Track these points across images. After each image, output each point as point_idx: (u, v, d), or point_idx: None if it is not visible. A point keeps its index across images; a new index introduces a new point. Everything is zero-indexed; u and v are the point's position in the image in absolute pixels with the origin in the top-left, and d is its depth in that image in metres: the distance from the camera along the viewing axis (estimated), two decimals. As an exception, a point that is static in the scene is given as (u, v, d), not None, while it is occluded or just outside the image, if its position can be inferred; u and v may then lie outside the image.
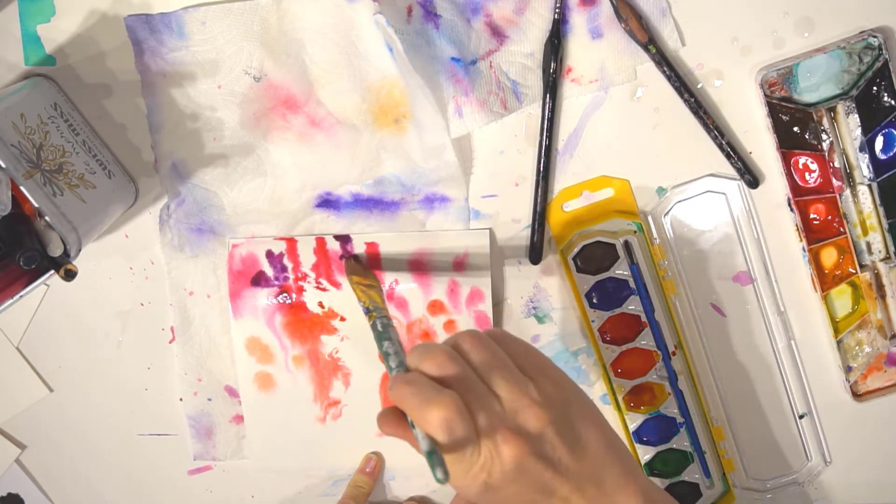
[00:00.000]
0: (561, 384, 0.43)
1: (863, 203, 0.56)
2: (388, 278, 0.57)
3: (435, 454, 0.38)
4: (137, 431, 0.62)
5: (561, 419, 0.42)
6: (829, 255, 0.56)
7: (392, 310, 0.57)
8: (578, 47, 0.54)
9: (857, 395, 0.58)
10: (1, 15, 0.54)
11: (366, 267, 0.57)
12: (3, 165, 0.45)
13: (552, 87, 0.54)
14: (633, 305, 0.56)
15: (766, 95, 0.53)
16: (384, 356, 0.45)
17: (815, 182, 0.55)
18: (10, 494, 0.63)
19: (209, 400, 0.60)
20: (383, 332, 0.47)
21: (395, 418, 0.42)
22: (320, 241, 0.57)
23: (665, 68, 0.53)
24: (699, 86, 0.54)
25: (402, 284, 0.57)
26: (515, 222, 0.57)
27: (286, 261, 0.57)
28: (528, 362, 0.43)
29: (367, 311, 0.50)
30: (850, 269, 0.56)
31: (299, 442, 0.60)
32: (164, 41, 0.54)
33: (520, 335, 0.58)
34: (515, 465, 0.40)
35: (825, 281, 0.56)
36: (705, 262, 0.57)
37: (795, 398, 0.58)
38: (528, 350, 0.44)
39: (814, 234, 0.56)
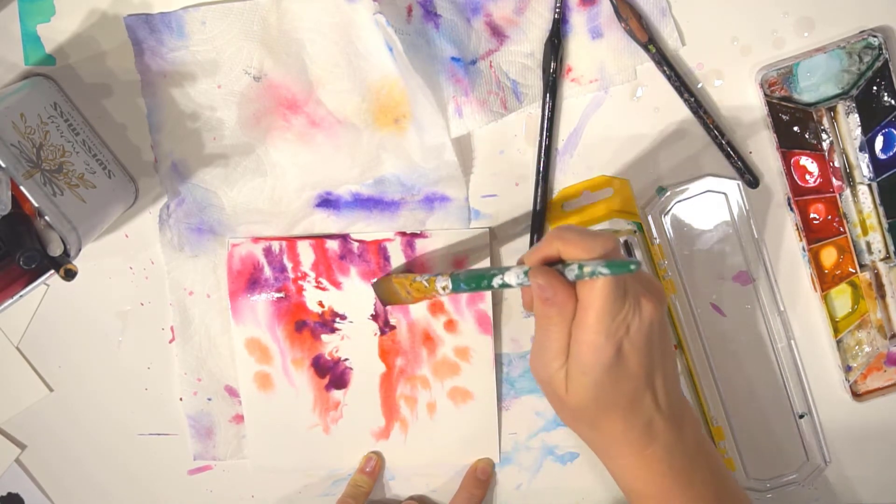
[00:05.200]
0: None
1: (863, 203, 0.56)
2: (388, 278, 0.57)
3: (612, 258, 0.42)
4: (137, 431, 0.62)
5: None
6: (828, 255, 0.56)
7: (392, 310, 0.57)
8: (578, 47, 0.54)
9: (856, 395, 0.58)
10: (1, 15, 0.54)
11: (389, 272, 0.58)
12: (3, 165, 0.45)
13: (552, 86, 0.54)
14: (633, 305, 0.56)
15: (766, 95, 0.53)
16: (497, 275, 0.45)
17: (814, 182, 0.55)
18: (10, 494, 0.63)
19: (209, 400, 0.60)
20: (470, 272, 0.48)
21: (545, 270, 0.44)
22: (320, 241, 0.57)
23: (665, 68, 0.53)
24: (699, 86, 0.54)
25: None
26: (515, 222, 0.57)
27: (286, 260, 0.57)
28: None
29: (439, 275, 0.50)
30: (850, 269, 0.56)
31: (299, 441, 0.60)
32: (164, 41, 0.54)
33: (519, 335, 0.58)
34: (649, 325, 0.44)
35: (825, 281, 0.56)
36: (705, 262, 0.57)
37: (795, 398, 0.58)
38: None
39: (814, 234, 0.56)
